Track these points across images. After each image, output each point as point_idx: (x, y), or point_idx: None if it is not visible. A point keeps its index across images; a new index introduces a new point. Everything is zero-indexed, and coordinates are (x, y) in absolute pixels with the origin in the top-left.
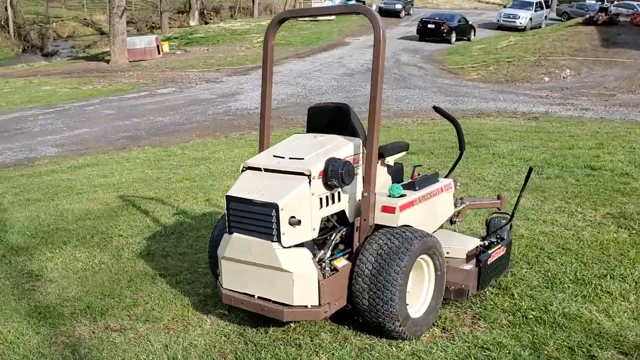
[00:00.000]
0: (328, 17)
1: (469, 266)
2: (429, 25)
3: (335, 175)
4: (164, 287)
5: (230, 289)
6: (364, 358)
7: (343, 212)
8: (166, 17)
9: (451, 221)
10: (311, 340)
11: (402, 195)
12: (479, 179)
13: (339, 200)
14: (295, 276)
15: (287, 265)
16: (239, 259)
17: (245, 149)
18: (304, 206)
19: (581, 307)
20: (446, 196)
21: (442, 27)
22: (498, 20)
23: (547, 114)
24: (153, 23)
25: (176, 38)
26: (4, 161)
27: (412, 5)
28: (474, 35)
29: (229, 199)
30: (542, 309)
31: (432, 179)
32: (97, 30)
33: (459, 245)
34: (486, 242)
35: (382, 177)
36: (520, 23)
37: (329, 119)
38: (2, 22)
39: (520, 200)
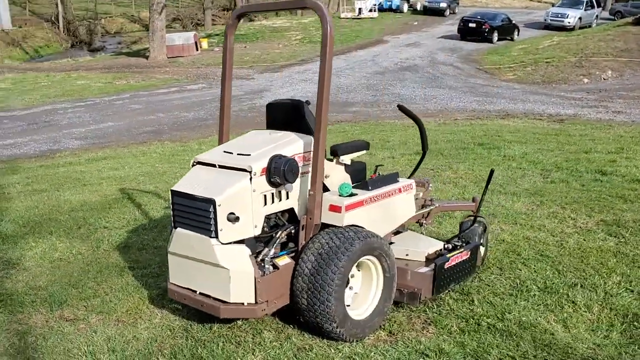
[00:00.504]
0: (371, 15)
1: (424, 269)
2: (470, 25)
3: (278, 172)
4: (128, 279)
5: (175, 283)
6: (300, 358)
7: (293, 210)
8: (209, 14)
9: (420, 223)
10: (252, 339)
11: (351, 195)
12: (480, 181)
13: (287, 197)
14: (231, 273)
15: (224, 262)
16: (182, 254)
17: None
18: (244, 203)
19: (540, 317)
20: (405, 197)
21: (483, 27)
22: (545, 20)
23: (575, 117)
24: (198, 20)
25: (217, 35)
26: (28, 152)
27: (458, 4)
28: (518, 34)
29: (173, 193)
30: (498, 317)
31: (390, 179)
32: (143, 27)
33: (419, 248)
34: (450, 246)
35: (339, 175)
36: (569, 22)
37: (285, 115)
38: (53, 18)
39: (482, 203)
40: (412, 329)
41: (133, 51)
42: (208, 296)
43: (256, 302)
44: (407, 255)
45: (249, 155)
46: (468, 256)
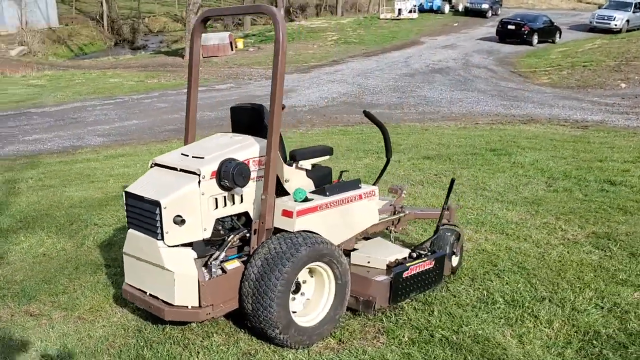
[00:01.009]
0: (410, 16)
1: (381, 277)
2: (509, 27)
3: (227, 176)
4: (101, 277)
5: (129, 283)
6: None
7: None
8: None
9: (389, 230)
10: (201, 341)
11: (306, 200)
12: (480, 189)
13: (242, 201)
14: (176, 276)
15: (169, 265)
16: (133, 255)
17: None
18: (192, 205)
19: (497, 331)
20: (366, 204)
21: (522, 29)
22: (591, 22)
23: (601, 123)
24: (239, 20)
25: (254, 35)
26: (51, 148)
27: (501, 5)
28: (560, 37)
29: (126, 194)
30: (453, 329)
31: (350, 185)
32: (185, 26)
33: (382, 256)
34: (414, 254)
35: (299, 181)
36: (615, 25)
37: (247, 119)
38: (98, 17)
39: (443, 213)
40: (363, 337)
41: (172, 50)
42: (156, 298)
43: (200, 306)
44: (368, 262)
45: (202, 158)
46: (432, 265)
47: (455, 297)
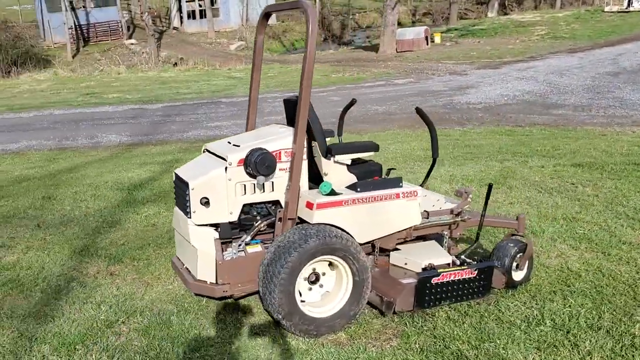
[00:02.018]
0: None
1: (407, 280)
2: None
3: (250, 164)
4: None
5: (177, 256)
6: (247, 334)
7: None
8: (455, 8)
9: (441, 233)
10: (221, 316)
11: (332, 194)
12: (615, 203)
13: (273, 190)
14: (199, 252)
15: (194, 241)
16: (177, 229)
17: (418, 142)
18: (218, 190)
19: (521, 353)
20: (404, 203)
21: None
22: None
23: None
24: (449, 14)
25: (456, 30)
26: (226, 134)
27: None
28: None
29: (175, 175)
30: (474, 344)
31: (389, 183)
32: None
33: (420, 258)
34: (458, 261)
35: (340, 175)
36: None
37: (293, 111)
38: None
39: (482, 220)
40: (376, 337)
41: (370, 45)
42: (188, 271)
43: (217, 283)
44: (405, 264)
45: (239, 146)
46: (473, 275)
47: (500, 311)
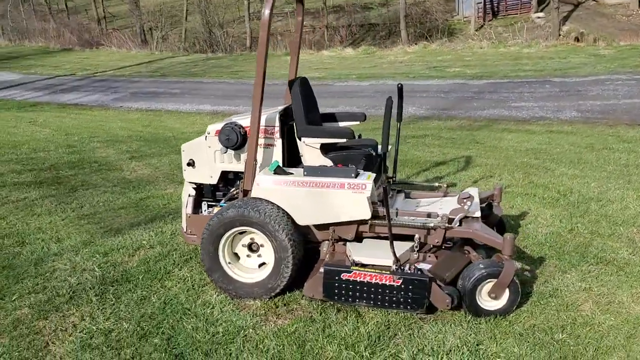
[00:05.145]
0: None
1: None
2: None
3: (219, 136)
4: None
5: None
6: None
7: None
8: None
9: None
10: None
11: (277, 173)
12: None
13: (241, 162)
14: (182, 204)
15: (183, 195)
16: None
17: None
18: (200, 154)
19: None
20: (349, 195)
21: None
22: None
23: None
24: None
25: None
26: (525, 116)
27: None
28: None
29: None
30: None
31: (341, 172)
32: None
33: (360, 253)
34: (394, 267)
35: (314, 159)
36: None
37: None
38: None
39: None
40: (274, 313)
41: None
42: None
43: (186, 231)
44: (349, 255)
45: (230, 119)
46: (397, 284)
47: (412, 321)
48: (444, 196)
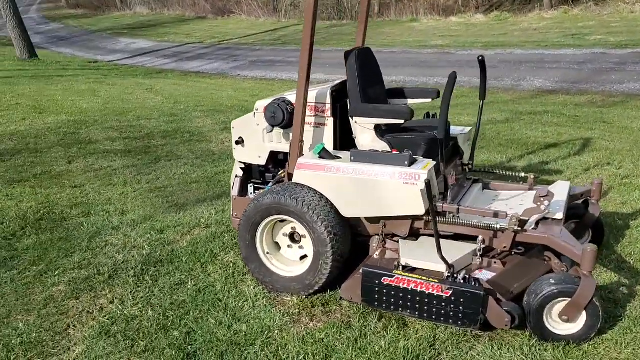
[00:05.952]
0: None
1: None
2: None
3: (265, 113)
4: None
5: None
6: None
7: None
8: None
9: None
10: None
11: (324, 156)
12: None
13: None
14: (230, 185)
15: (232, 174)
16: None
17: None
18: (249, 132)
19: None
20: (399, 186)
21: None
22: None
23: None
24: None
25: None
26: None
27: None
28: None
29: None
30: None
31: (393, 159)
32: None
33: (410, 256)
34: (449, 275)
35: (367, 140)
36: None
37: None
38: None
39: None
40: (308, 313)
41: None
42: None
43: (233, 215)
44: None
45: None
46: (446, 295)
47: (454, 336)
48: (529, 189)
